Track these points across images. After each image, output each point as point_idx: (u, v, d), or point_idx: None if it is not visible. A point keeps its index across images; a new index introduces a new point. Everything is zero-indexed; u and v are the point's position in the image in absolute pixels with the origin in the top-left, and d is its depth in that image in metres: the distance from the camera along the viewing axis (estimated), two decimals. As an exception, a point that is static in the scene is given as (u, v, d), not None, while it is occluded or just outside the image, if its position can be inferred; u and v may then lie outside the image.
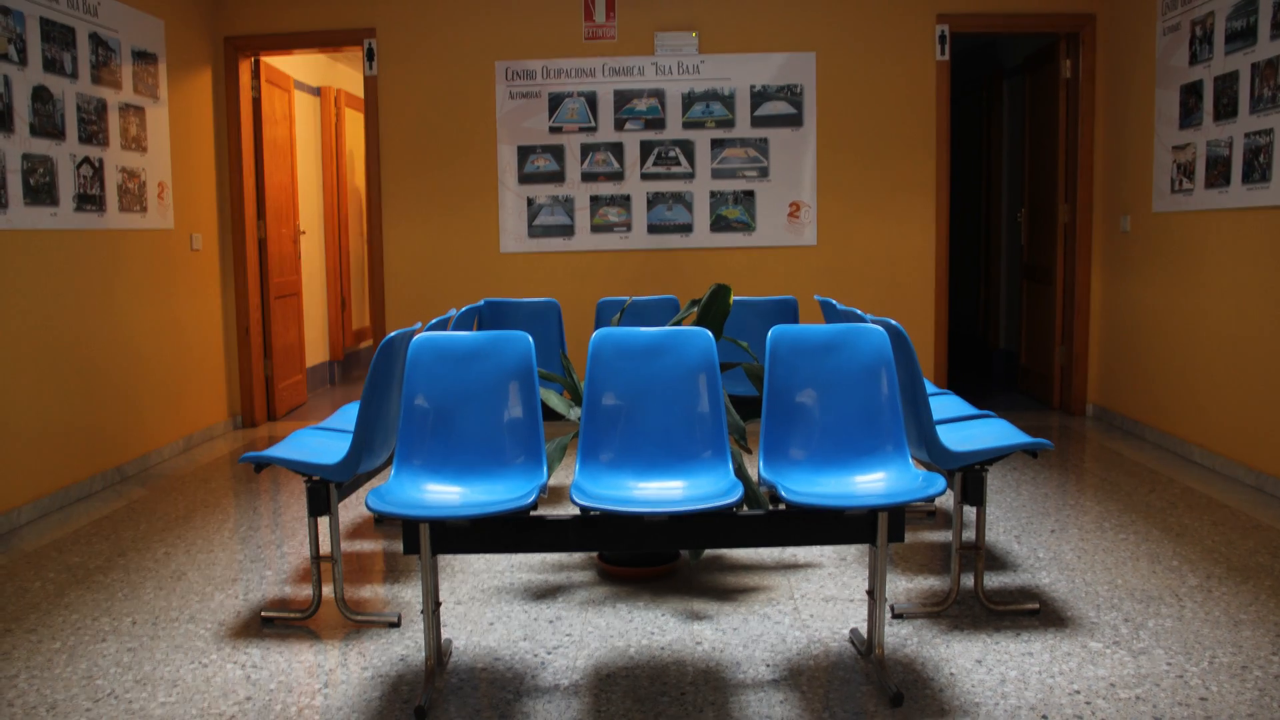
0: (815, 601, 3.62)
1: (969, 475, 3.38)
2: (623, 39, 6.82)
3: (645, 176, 6.85)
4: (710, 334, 3.24)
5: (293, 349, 7.74)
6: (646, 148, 6.83)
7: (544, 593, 3.75)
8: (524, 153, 6.87)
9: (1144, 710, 2.77)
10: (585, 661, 3.16)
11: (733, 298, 3.95)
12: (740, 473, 3.38)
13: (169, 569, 4.10)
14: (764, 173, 6.84)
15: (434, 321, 3.95)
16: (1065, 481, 5.27)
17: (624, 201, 6.86)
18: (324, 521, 3.57)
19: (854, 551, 4.13)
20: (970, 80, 9.65)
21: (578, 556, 4.10)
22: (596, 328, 4.48)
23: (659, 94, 6.82)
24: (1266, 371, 4.96)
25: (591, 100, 6.83)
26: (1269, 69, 4.86)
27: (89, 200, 5.30)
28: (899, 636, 3.30)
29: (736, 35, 6.80)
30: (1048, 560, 4.03)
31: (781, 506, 2.93)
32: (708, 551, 4.07)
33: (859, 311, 4.15)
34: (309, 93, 8.67)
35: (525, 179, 6.88)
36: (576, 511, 2.91)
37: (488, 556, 4.14)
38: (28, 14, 4.83)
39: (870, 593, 3.06)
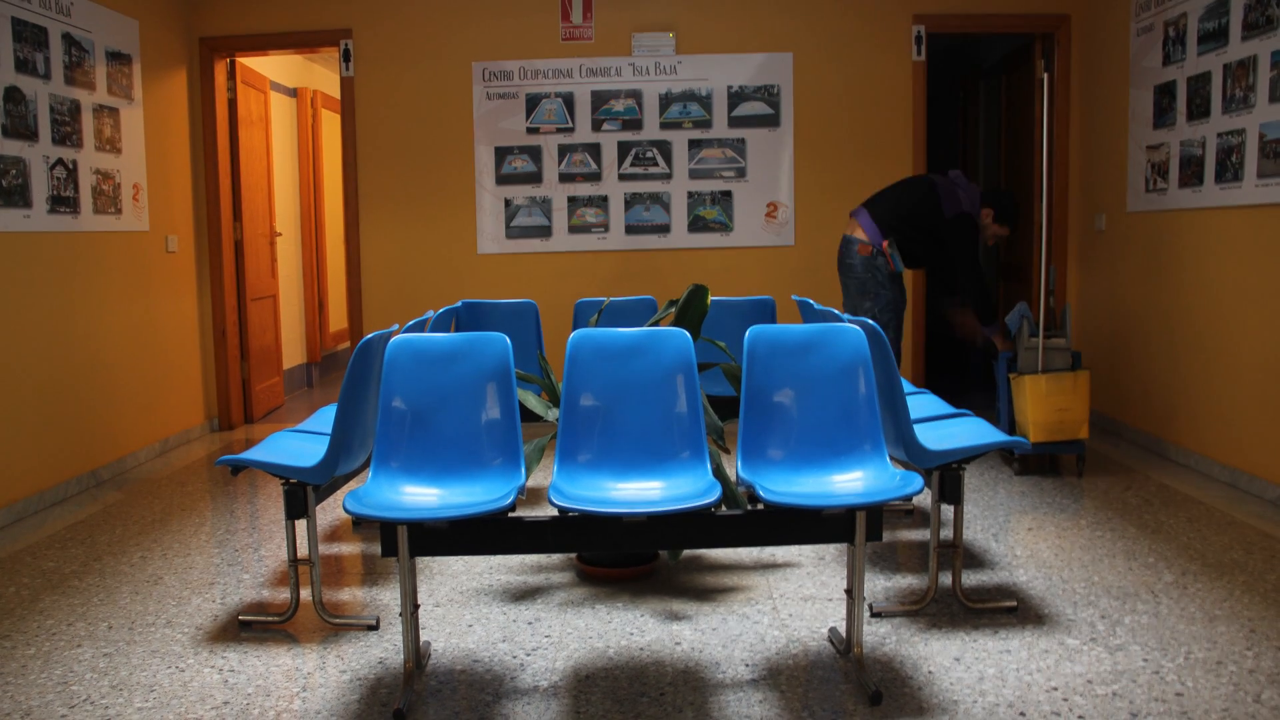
0: (794, 601, 3.63)
1: (946, 474, 3.40)
2: (600, 40, 6.82)
3: (623, 177, 6.85)
4: (688, 334, 3.24)
5: (269, 351, 7.70)
6: (624, 148, 6.84)
7: (523, 594, 3.75)
8: (501, 153, 6.86)
9: (1120, 706, 2.79)
10: (564, 663, 3.16)
11: (710, 298, 3.95)
12: (718, 473, 3.38)
13: (145, 573, 4.07)
14: (741, 173, 6.85)
15: (411, 323, 3.94)
16: (1042, 479, 5.29)
17: (601, 202, 6.86)
18: (301, 524, 3.55)
19: (832, 551, 4.15)
20: (946, 80, 9.69)
21: (556, 558, 4.10)
22: (574, 329, 4.48)
23: (636, 94, 6.82)
24: (1241, 369, 5.00)
25: (569, 101, 6.82)
26: (1240, 70, 4.91)
27: (63, 202, 5.26)
28: (877, 635, 3.31)
29: (714, 36, 6.81)
30: (1025, 558, 4.05)
31: (760, 506, 2.94)
32: (686, 552, 4.07)
33: (836, 311, 4.16)
34: (285, 94, 8.63)
35: (503, 180, 6.87)
36: (555, 512, 2.90)
37: (466, 558, 4.13)
38: (-1, 14, 4.80)
39: (849, 591, 3.06)
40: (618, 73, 6.81)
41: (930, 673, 3.03)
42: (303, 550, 4.08)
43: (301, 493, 3.33)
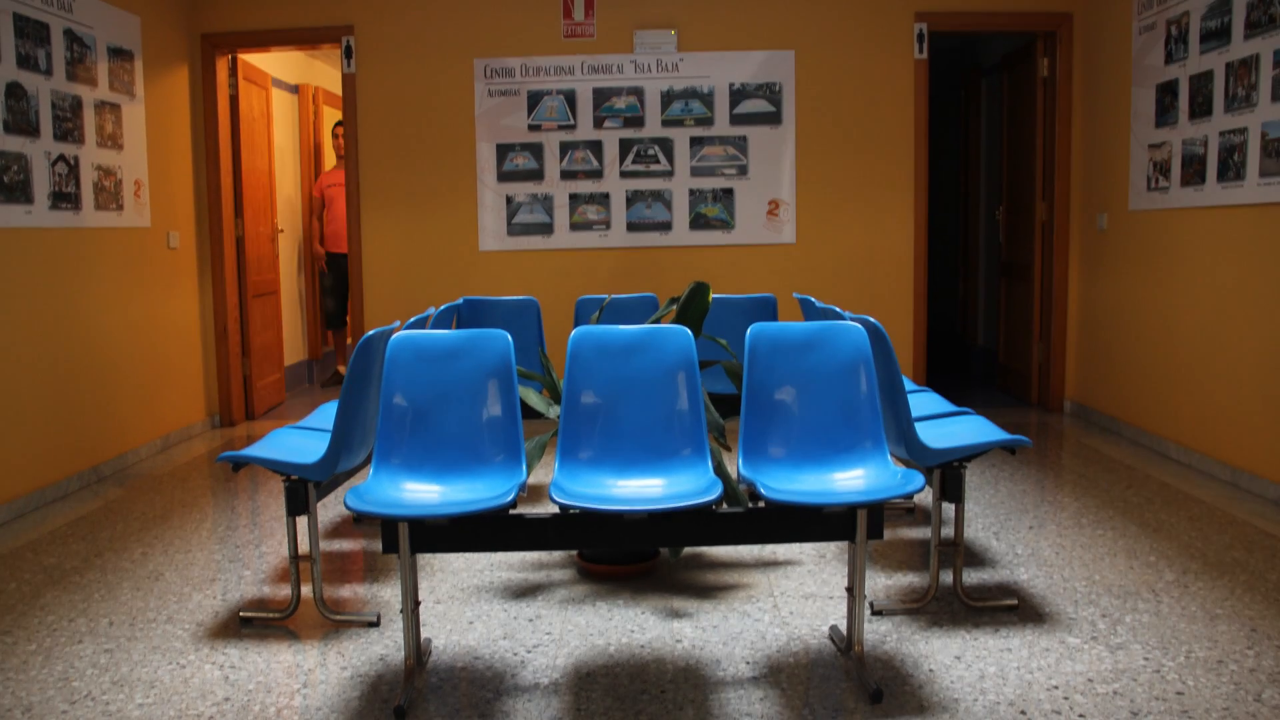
0: (795, 599, 3.63)
1: (948, 472, 3.40)
2: (602, 37, 6.81)
3: (624, 174, 6.85)
4: (689, 332, 3.24)
5: (271, 348, 7.70)
6: (625, 146, 6.83)
7: (523, 591, 3.75)
8: (503, 151, 6.86)
9: (1121, 705, 2.79)
10: (565, 660, 3.16)
11: (712, 296, 3.95)
12: (719, 470, 3.38)
13: (146, 569, 4.07)
14: (743, 170, 6.85)
15: (412, 320, 3.94)
16: (1043, 478, 5.29)
17: (603, 199, 6.86)
18: (302, 521, 3.55)
19: (833, 549, 4.15)
20: (948, 78, 9.68)
21: (557, 555, 4.10)
22: (575, 326, 4.48)
23: (638, 92, 6.81)
24: (1242, 368, 5.00)
25: (570, 98, 6.82)
26: (1243, 68, 4.90)
27: (64, 198, 5.26)
28: (878, 633, 3.31)
29: (715, 33, 6.81)
30: (1026, 556, 4.05)
31: (761, 504, 2.94)
32: (687, 549, 4.07)
33: (838, 309, 4.16)
34: (287, 90, 8.62)
35: (504, 177, 6.87)
36: (556, 510, 2.91)
37: (467, 555, 4.13)
38: (0, 9, 4.79)
39: (849, 590, 3.06)
40: (619, 70, 6.81)
41: (931, 671, 3.03)
42: (304, 547, 4.08)
43: (303, 489, 3.33)
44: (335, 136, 8.24)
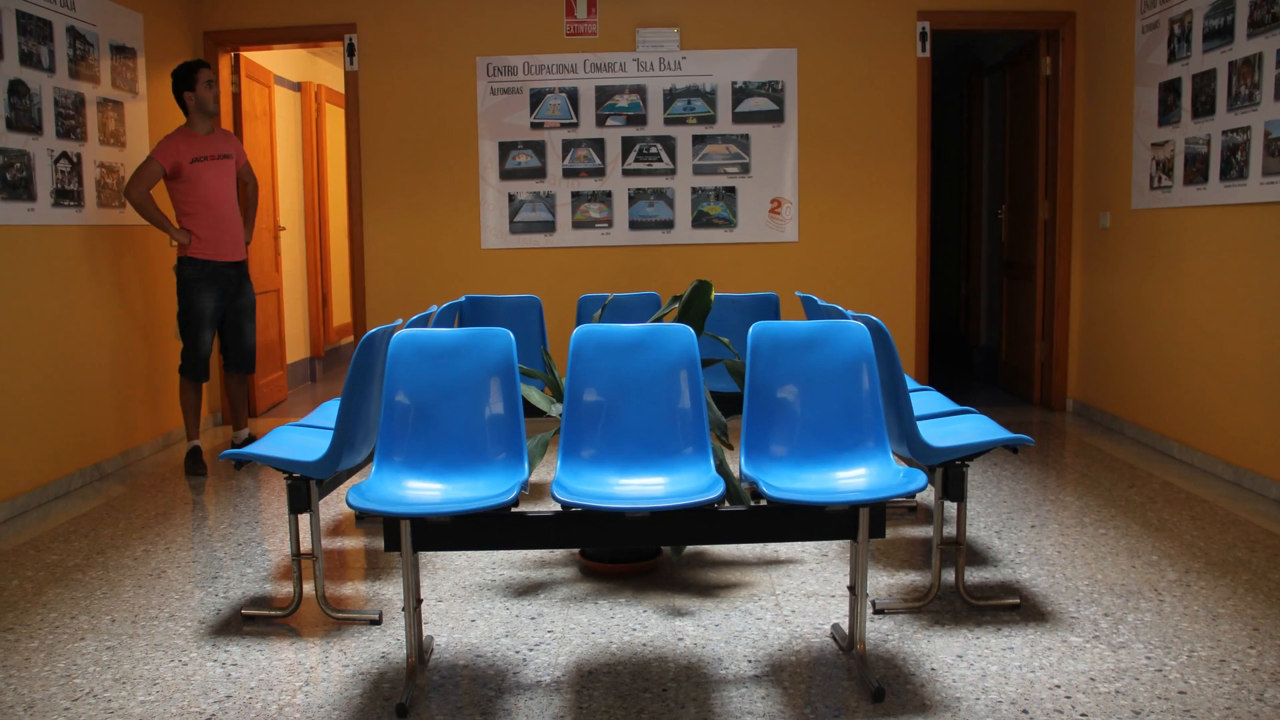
0: (797, 597, 3.63)
1: (950, 471, 3.39)
2: (604, 35, 6.81)
3: (627, 173, 6.85)
4: (691, 330, 3.24)
5: (273, 346, 7.70)
6: (628, 144, 6.83)
7: (525, 589, 3.75)
8: (505, 149, 6.86)
9: (1123, 704, 2.79)
10: (567, 658, 3.16)
11: (714, 294, 3.95)
12: (722, 469, 3.38)
13: (148, 567, 4.08)
14: (745, 169, 6.84)
15: (415, 318, 3.94)
16: (1045, 477, 5.29)
17: (605, 198, 6.86)
18: (305, 519, 3.55)
19: (835, 547, 4.14)
20: (951, 77, 9.67)
21: (559, 553, 4.10)
22: (578, 324, 4.48)
23: (640, 90, 6.81)
24: (1244, 367, 5.00)
25: (573, 96, 6.81)
26: (1246, 67, 4.89)
27: (67, 195, 5.26)
28: (880, 632, 3.31)
29: (718, 31, 6.81)
30: (1028, 555, 4.05)
31: (763, 502, 2.94)
32: (689, 548, 4.07)
33: (840, 308, 4.15)
34: (289, 88, 8.63)
35: (506, 175, 6.87)
36: (558, 508, 2.90)
37: (469, 553, 4.13)
38: (4, 7, 4.79)
39: (851, 588, 3.06)
40: (622, 68, 6.80)
41: (933, 670, 3.03)
42: (306, 545, 4.07)
43: (305, 487, 3.33)
44: (209, 83, 5.62)
